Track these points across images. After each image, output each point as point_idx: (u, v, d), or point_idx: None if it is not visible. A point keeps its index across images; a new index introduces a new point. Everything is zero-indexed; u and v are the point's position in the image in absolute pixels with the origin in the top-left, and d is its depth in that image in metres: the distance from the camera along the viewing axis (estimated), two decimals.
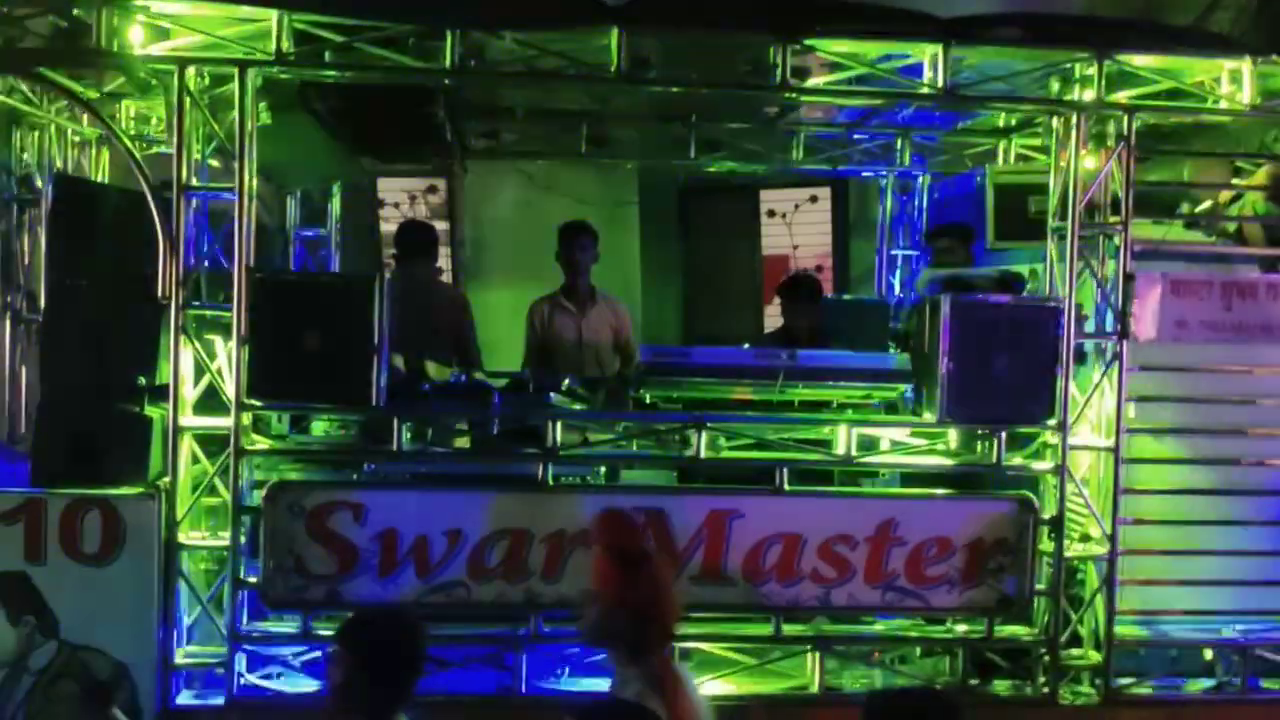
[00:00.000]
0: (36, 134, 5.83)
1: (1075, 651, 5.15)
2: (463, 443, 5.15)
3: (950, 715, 2.85)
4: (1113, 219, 5.24)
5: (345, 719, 3.13)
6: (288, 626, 4.89)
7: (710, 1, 5.16)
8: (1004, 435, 5.07)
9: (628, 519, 3.51)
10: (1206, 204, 5.94)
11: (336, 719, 3.18)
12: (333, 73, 5.12)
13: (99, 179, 6.03)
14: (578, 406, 5.26)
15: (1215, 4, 7.95)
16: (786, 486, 4.99)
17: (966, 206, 6.92)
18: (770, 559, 4.95)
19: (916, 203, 7.65)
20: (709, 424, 5.01)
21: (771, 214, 8.98)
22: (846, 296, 7.89)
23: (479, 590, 4.81)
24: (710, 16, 5.00)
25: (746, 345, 5.83)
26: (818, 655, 5.02)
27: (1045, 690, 5.08)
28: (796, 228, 9.01)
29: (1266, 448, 5.28)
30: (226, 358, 4.90)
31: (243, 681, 4.81)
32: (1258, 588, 5.22)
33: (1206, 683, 5.26)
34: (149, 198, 4.81)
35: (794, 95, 5.32)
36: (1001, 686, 5.12)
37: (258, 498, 4.82)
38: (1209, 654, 5.31)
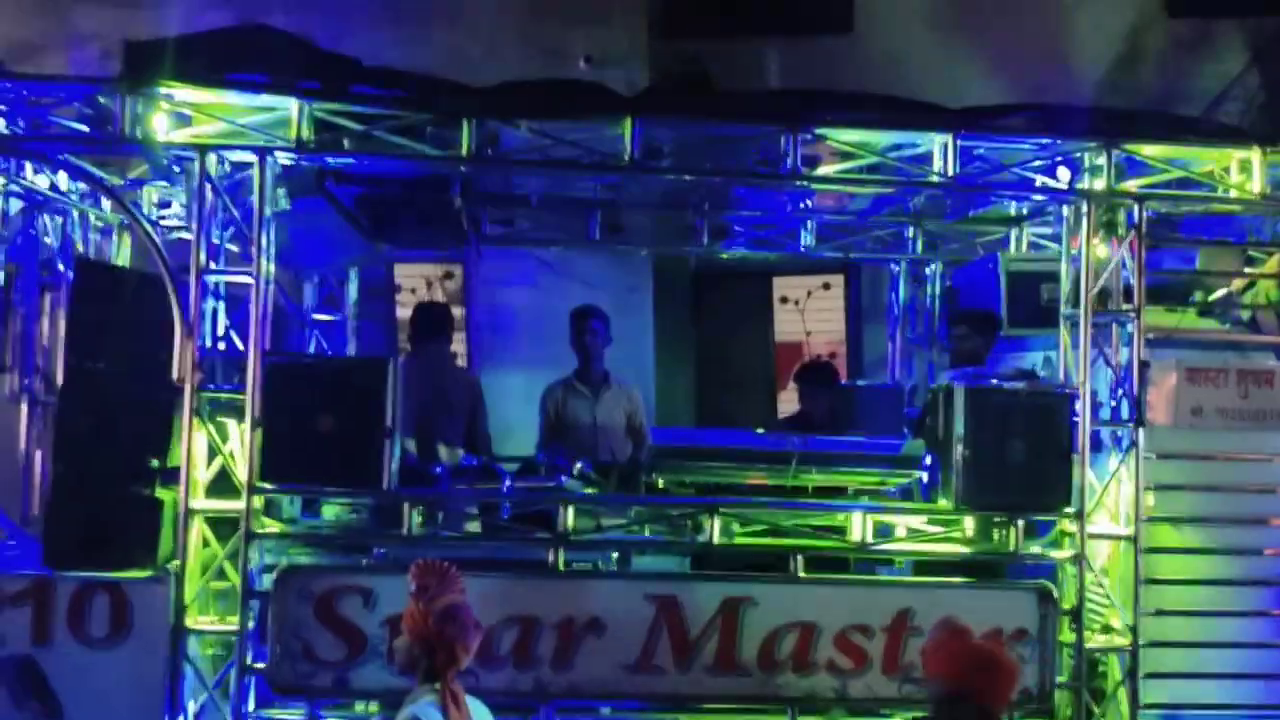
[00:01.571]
0: (59, 219, 5.92)
1: None
2: (473, 527, 5.11)
3: None
4: (1125, 306, 5.24)
5: None
6: (294, 714, 4.82)
7: (722, 92, 5.25)
8: (1021, 523, 5.01)
9: (436, 565, 3.65)
10: (1220, 292, 5.94)
11: None
12: (351, 159, 5.21)
13: (119, 263, 6.10)
14: (590, 490, 5.23)
15: (1224, 95, 8.07)
16: (801, 573, 4.93)
17: (979, 294, 6.93)
18: (785, 648, 4.88)
19: (929, 290, 7.67)
20: (722, 508, 4.98)
21: (784, 300, 9.04)
22: (860, 382, 7.87)
23: (488, 678, 4.72)
24: (722, 107, 5.08)
25: (760, 430, 5.81)
26: None
27: None
28: (809, 314, 9.06)
29: None
30: (239, 440, 4.90)
31: None
32: None
33: None
34: (168, 281, 4.86)
35: (804, 184, 5.38)
36: None
37: (267, 582, 4.79)
38: None
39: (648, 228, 7.66)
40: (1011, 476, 4.97)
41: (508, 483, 5.16)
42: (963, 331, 6.54)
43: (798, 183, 5.28)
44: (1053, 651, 4.94)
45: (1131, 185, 5.30)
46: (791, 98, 5.18)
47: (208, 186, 4.90)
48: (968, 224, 7.20)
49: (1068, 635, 5.00)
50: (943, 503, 5.07)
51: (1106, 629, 5.10)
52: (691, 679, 4.85)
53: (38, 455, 5.71)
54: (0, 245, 5.53)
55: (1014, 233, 7.16)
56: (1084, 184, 5.32)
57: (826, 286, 8.97)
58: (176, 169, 5.51)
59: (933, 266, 7.64)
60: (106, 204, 5.99)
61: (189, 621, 4.72)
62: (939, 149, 5.22)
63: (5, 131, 5.03)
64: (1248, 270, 5.82)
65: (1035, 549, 5.10)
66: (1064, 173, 5.37)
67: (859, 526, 5.01)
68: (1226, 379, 5.19)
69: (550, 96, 5.13)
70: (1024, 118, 5.28)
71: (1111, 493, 5.12)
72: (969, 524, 5.17)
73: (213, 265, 4.98)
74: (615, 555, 5.12)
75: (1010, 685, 3.33)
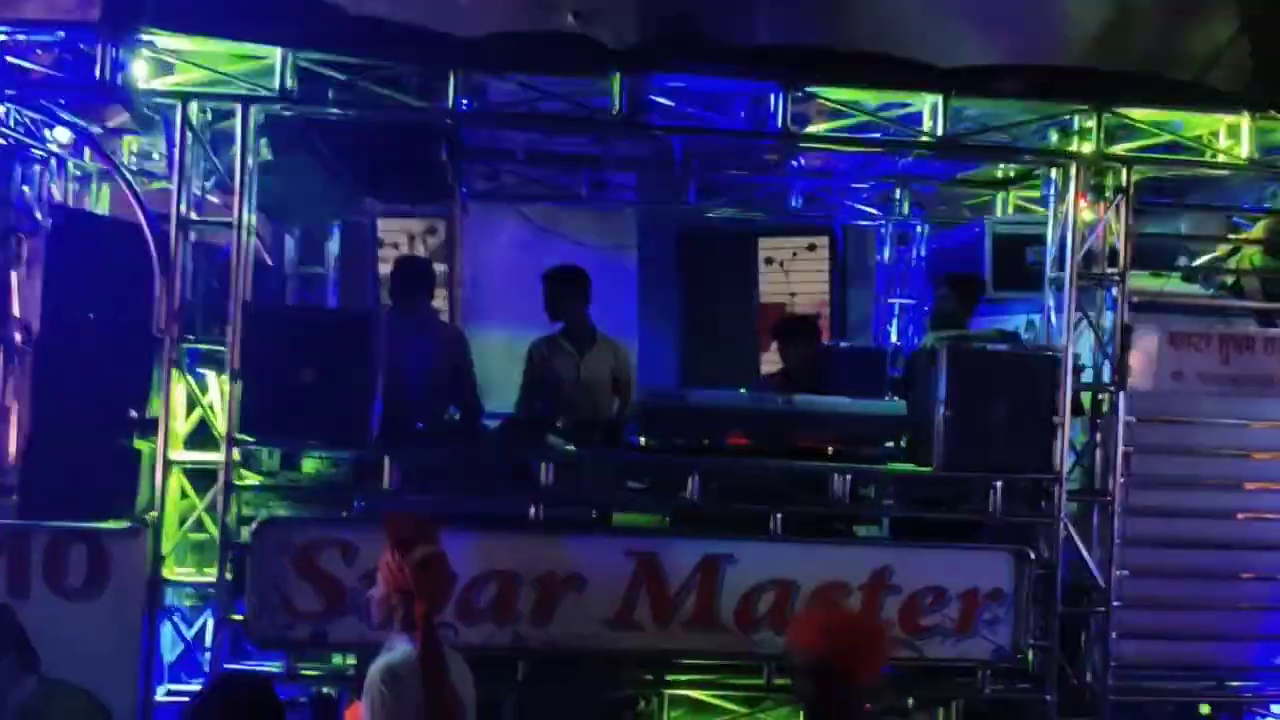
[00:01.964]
0: (37, 167, 5.83)
1: (1069, 706, 5.07)
2: (454, 482, 5.10)
3: None
4: (1110, 270, 5.24)
5: None
6: (272, 666, 4.81)
7: (713, 48, 5.18)
8: (1000, 485, 5.03)
9: (412, 517, 3.64)
10: (1204, 257, 5.95)
11: None
12: (335, 110, 5.14)
13: (98, 212, 6.02)
14: (571, 447, 5.22)
15: (1215, 61, 8.01)
16: (781, 532, 4.94)
17: (965, 257, 6.93)
18: (763, 606, 4.89)
19: (915, 252, 7.66)
20: (703, 466, 4.98)
21: (769, 261, 8.99)
22: (844, 343, 7.86)
23: (467, 632, 4.73)
24: (712, 63, 5.02)
25: (743, 390, 5.80)
26: None
27: None
28: (794, 275, 9.01)
29: (1263, 501, 5.24)
30: (219, 392, 4.87)
31: None
32: (1254, 642, 5.16)
33: None
34: (147, 231, 4.81)
35: (793, 142, 5.34)
36: None
37: (246, 534, 4.77)
38: (1206, 709, 5.23)
39: (634, 184, 7.62)
40: (992, 438, 4.99)
41: (489, 438, 5.13)
42: (944, 293, 6.54)
43: (788, 142, 5.23)
44: (1027, 611, 4.97)
45: (1120, 149, 5.27)
46: (782, 55, 5.11)
47: (189, 135, 4.84)
48: (954, 187, 7.19)
49: (1043, 596, 5.03)
50: (923, 464, 5.08)
51: (1081, 589, 5.14)
52: (670, 635, 4.87)
53: (14, 406, 5.65)
54: None
55: (1000, 196, 7.15)
56: (1073, 147, 5.30)
57: (811, 248, 8.91)
58: (157, 117, 5.43)
59: (919, 229, 7.62)
60: (86, 152, 5.90)
61: (166, 573, 4.72)
62: (929, 109, 5.19)
63: None
64: (1233, 236, 5.82)
65: (1013, 510, 5.12)
66: (1053, 135, 5.35)
67: (839, 486, 5.02)
68: (1208, 344, 5.21)
69: (538, 49, 5.05)
70: (1015, 79, 5.24)
71: (1090, 455, 5.14)
72: (948, 484, 5.19)
73: (193, 215, 4.91)
74: (595, 512, 5.11)
75: (877, 658, 3.20)
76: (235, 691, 3.32)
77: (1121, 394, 5.13)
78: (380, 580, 3.56)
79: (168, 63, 4.91)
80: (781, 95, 5.07)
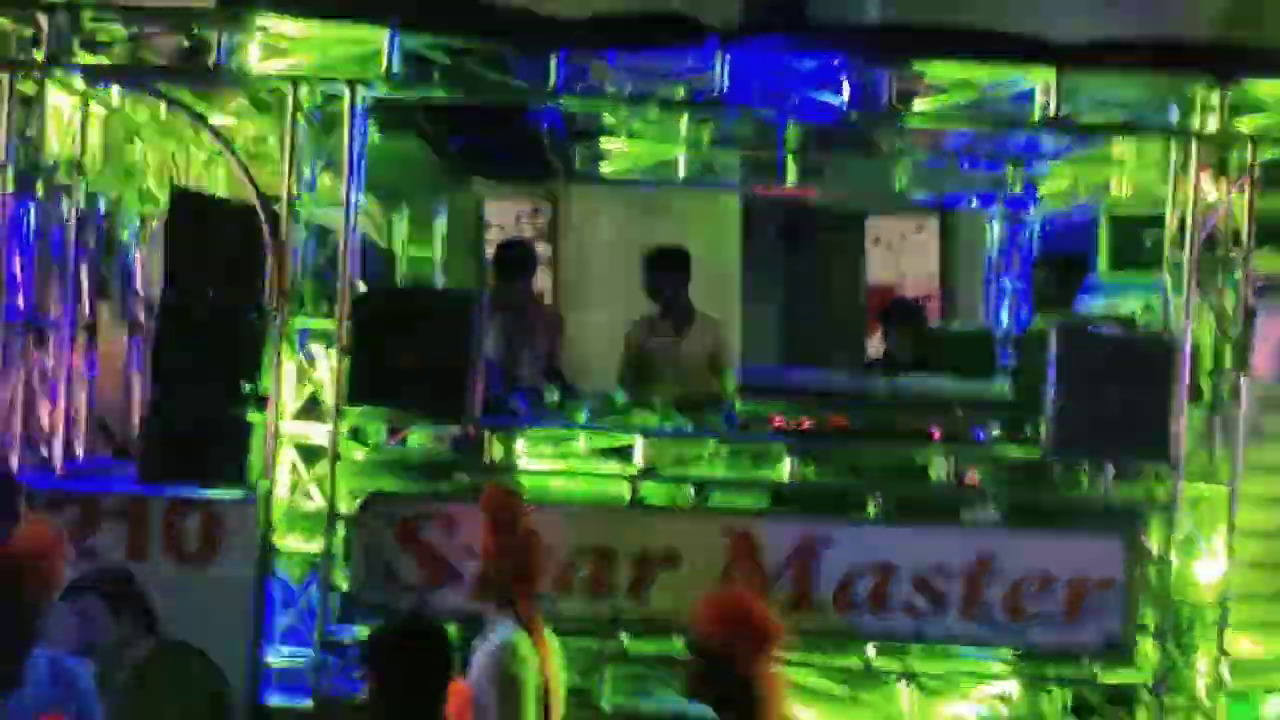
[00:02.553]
0: (158, 151, 6.05)
1: (1181, 699, 4.91)
2: (552, 459, 5.16)
3: None
4: (1233, 251, 5.03)
5: None
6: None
7: (816, 26, 5.13)
8: (1111, 470, 4.89)
9: (510, 494, 3.68)
10: None
11: None
12: (440, 92, 5.22)
13: (214, 193, 6.22)
14: (669, 426, 5.23)
15: None
16: (881, 515, 4.88)
17: (1079, 238, 6.74)
18: (862, 589, 4.84)
19: (1026, 233, 7.46)
20: (802, 447, 4.94)
21: (878, 242, 8.89)
22: (952, 326, 7.72)
23: (563, 605, 4.78)
24: (819, 41, 4.96)
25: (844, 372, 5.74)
26: (912, 688, 4.87)
27: None
28: (903, 257, 8.90)
29: None
30: (328, 368, 5.00)
31: (331, 685, 4.87)
32: None
33: None
34: (260, 211, 4.95)
35: (900, 121, 5.24)
36: None
37: (352, 506, 4.89)
38: None
39: (738, 165, 7.56)
40: (1104, 423, 4.84)
41: (587, 415, 5.17)
42: (1042, 276, 6.37)
43: (894, 120, 5.15)
44: (1138, 600, 4.82)
45: (1245, 125, 5.05)
46: (890, 32, 5.02)
47: (299, 117, 4.96)
48: (1070, 165, 6.97)
49: (1155, 584, 4.88)
50: (1033, 448, 4.95)
51: (1195, 579, 4.96)
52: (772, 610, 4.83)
53: (136, 379, 5.89)
54: (103, 176, 5.67)
55: (1115, 175, 6.91)
56: (1194, 123, 5.09)
57: (920, 229, 8.80)
58: (272, 102, 5.58)
59: (1031, 209, 7.42)
60: (204, 136, 6.09)
61: (276, 541, 4.86)
62: (1041, 86, 5.03)
63: (105, 61, 5.13)
64: None
65: (1126, 496, 4.97)
66: (1174, 112, 5.15)
67: (941, 469, 4.93)
68: None
69: (641, 28, 5.06)
70: (1133, 53, 5.06)
71: (1208, 442, 4.95)
72: (1057, 469, 5.06)
73: (304, 196, 5.04)
74: (693, 490, 5.11)
75: (761, 647, 3.01)
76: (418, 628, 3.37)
77: (1243, 380, 4.91)
78: (483, 557, 3.59)
79: (279, 48, 5.04)
80: (888, 74, 4.98)
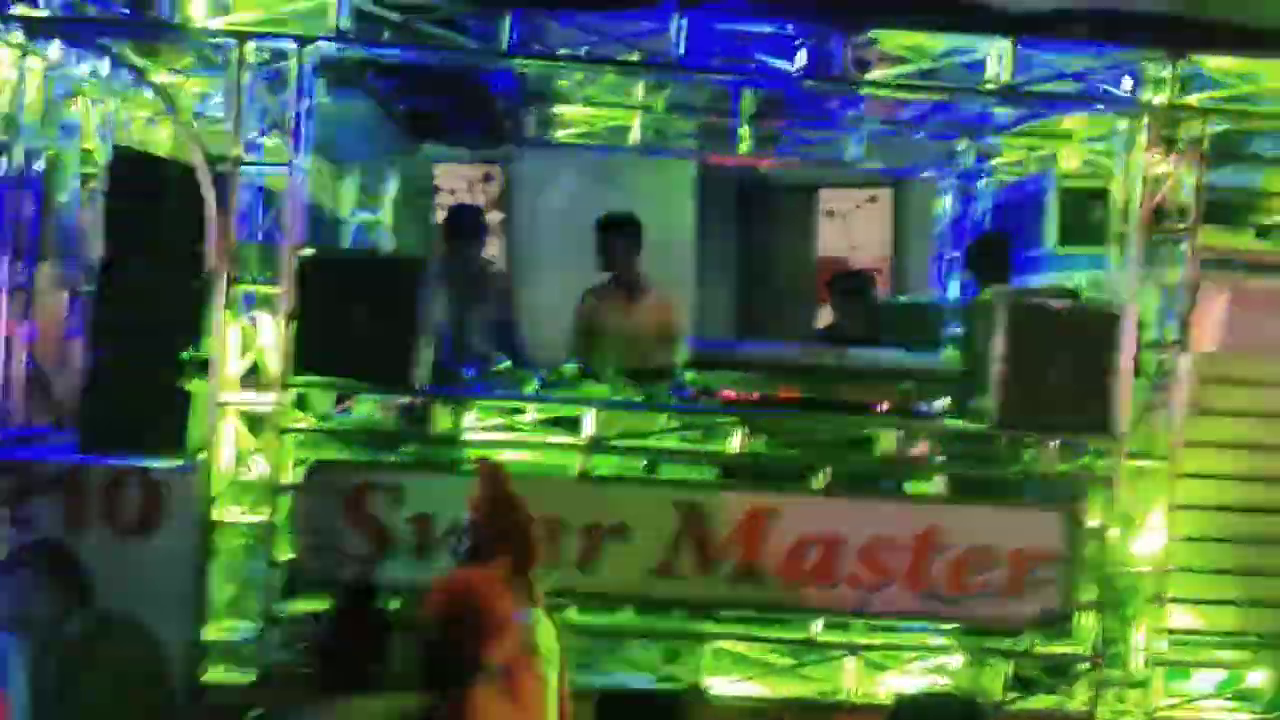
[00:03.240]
0: (99, 108, 5.89)
1: (1118, 671, 4.99)
2: (502, 429, 5.11)
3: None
4: (1180, 226, 5.07)
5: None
6: (321, 605, 4.88)
7: None
8: (1055, 443, 4.93)
9: (501, 468, 3.59)
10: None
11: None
12: (391, 51, 5.12)
13: (156, 153, 6.07)
14: (619, 397, 5.20)
15: None
16: (828, 487, 4.89)
17: (1030, 210, 6.76)
18: (809, 561, 4.86)
19: (978, 205, 7.49)
20: (751, 419, 4.93)
21: (830, 214, 8.89)
22: (901, 298, 7.74)
23: None
24: (775, 5, 4.91)
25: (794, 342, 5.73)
26: (855, 661, 4.91)
27: (1086, 708, 4.92)
28: (855, 228, 8.90)
29: None
30: (273, 334, 4.91)
31: (274, 659, 4.81)
32: None
33: (1254, 707, 5.07)
34: (203, 172, 4.83)
35: (855, 88, 5.22)
36: (1041, 702, 4.97)
37: (296, 476, 4.82)
38: (1257, 677, 5.10)
39: (692, 133, 7.51)
40: (1050, 396, 4.86)
41: (537, 386, 5.13)
42: (972, 252, 6.37)
43: (851, 87, 5.12)
44: (1078, 573, 4.88)
45: (1194, 99, 5.08)
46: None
47: (245, 76, 4.84)
48: (1019, 138, 6.99)
49: (1094, 557, 4.93)
50: (978, 420, 4.98)
51: (1133, 552, 5.03)
52: (713, 586, 4.85)
53: (76, 345, 5.75)
54: (41, 133, 5.50)
55: (1066, 149, 6.93)
56: (1145, 96, 5.11)
57: (873, 200, 8.80)
58: (218, 59, 5.45)
59: (983, 181, 7.44)
60: (147, 94, 5.94)
61: (218, 513, 4.78)
62: (995, 56, 5.02)
63: (44, 13, 4.96)
64: None
65: (1066, 469, 5.02)
66: (1126, 83, 5.16)
67: (889, 441, 4.95)
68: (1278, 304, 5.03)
69: None
70: (1086, 24, 5.05)
71: (1149, 416, 5.00)
72: (1001, 441, 5.09)
73: (249, 158, 4.92)
74: (643, 462, 5.09)
75: (488, 633, 2.97)
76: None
77: (1184, 354, 4.96)
78: (486, 532, 3.45)
79: (225, 3, 4.90)
80: (843, 40, 4.95)
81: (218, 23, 4.89)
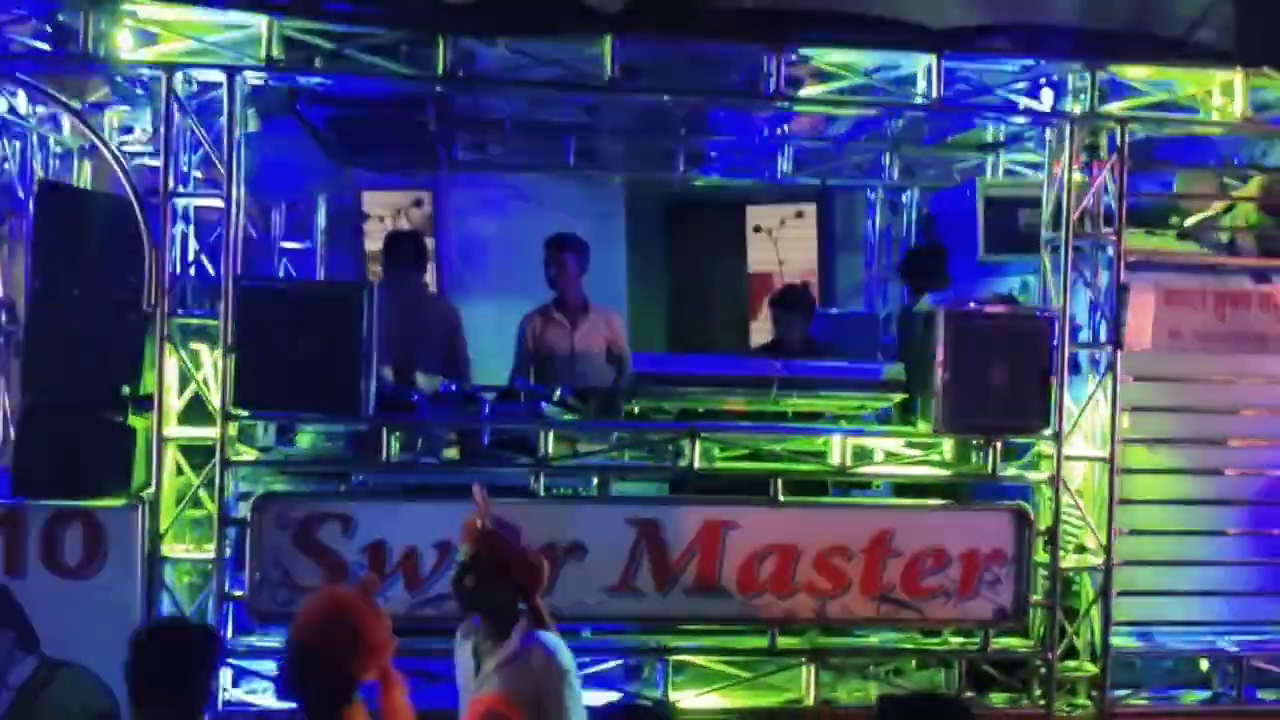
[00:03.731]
0: (18, 143, 5.74)
1: (1071, 663, 5.11)
2: (452, 453, 5.07)
3: None
4: (1105, 230, 5.23)
5: None
6: (273, 641, 4.78)
7: (704, 10, 5.13)
8: (999, 446, 5.04)
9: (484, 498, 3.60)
10: (1197, 216, 5.95)
11: None
12: (322, 80, 5.08)
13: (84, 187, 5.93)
14: (569, 417, 5.19)
15: (1199, 21, 8.00)
16: (781, 497, 4.94)
17: (956, 221, 6.92)
18: (765, 571, 4.90)
19: (905, 217, 7.65)
20: (702, 433, 4.97)
21: (758, 229, 8.96)
22: (835, 310, 7.86)
23: None
24: (706, 25, 4.97)
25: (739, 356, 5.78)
26: (813, 668, 4.95)
27: (1041, 703, 5.03)
28: (782, 243, 8.98)
29: (1260, 457, 5.27)
30: (213, 367, 4.82)
31: (227, 696, 4.71)
32: (1252, 598, 5.20)
33: (1202, 694, 5.23)
34: (136, 205, 4.74)
35: (788, 105, 5.30)
36: (997, 699, 5.07)
37: (243, 510, 4.73)
38: (1205, 665, 5.27)
39: (622, 154, 7.56)
40: (991, 399, 4.98)
41: (487, 409, 5.10)
42: (909, 263, 6.51)
43: (781, 104, 5.20)
44: (1028, 571, 4.99)
45: (1114, 108, 5.26)
46: (776, 17, 5.06)
47: (175, 107, 4.76)
48: (945, 150, 7.17)
49: (1043, 556, 5.05)
50: (922, 426, 5.08)
51: (1080, 549, 5.17)
52: (672, 601, 4.86)
53: (2, 384, 5.58)
54: None
55: (990, 159, 7.13)
56: (1067, 106, 5.28)
57: (800, 215, 8.88)
58: (140, 91, 5.35)
59: (909, 193, 7.60)
60: (67, 128, 5.80)
61: (165, 550, 4.67)
62: (923, 70, 5.15)
63: None
64: (1234, 194, 5.82)
65: (1012, 470, 5.13)
66: (1047, 95, 5.32)
67: (838, 450, 5.02)
68: (1204, 302, 5.22)
69: (528, 14, 4.98)
70: (1008, 38, 5.21)
71: (1088, 415, 5.15)
72: (947, 447, 5.19)
73: (181, 189, 4.84)
74: (596, 481, 5.09)
75: (359, 649, 2.96)
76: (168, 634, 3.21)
77: (1119, 353, 5.11)
78: (494, 567, 3.42)
79: (151, 33, 4.82)
80: (775, 57, 5.03)
81: (145, 54, 4.81)
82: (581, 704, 3.35)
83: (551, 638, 3.39)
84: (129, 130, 6.02)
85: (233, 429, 4.75)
